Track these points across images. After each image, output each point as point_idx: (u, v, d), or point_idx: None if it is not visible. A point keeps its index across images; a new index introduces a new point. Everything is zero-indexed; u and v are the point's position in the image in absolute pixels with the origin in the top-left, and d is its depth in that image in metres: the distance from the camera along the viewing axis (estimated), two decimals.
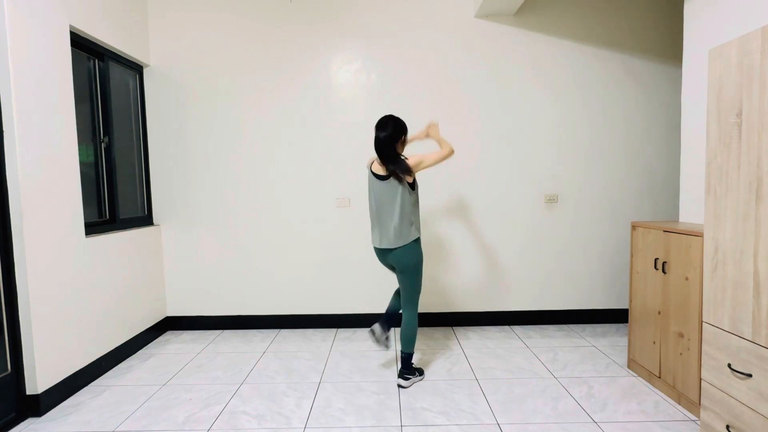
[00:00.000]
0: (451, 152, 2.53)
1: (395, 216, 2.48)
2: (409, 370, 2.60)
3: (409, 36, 3.48)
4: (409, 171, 2.46)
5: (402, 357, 2.62)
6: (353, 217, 3.55)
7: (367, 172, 2.63)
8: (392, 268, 2.64)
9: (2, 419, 2.20)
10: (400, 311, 2.69)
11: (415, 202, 2.55)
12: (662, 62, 3.50)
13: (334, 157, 3.54)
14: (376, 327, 2.69)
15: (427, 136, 2.68)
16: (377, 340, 2.70)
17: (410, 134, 2.67)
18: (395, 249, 2.52)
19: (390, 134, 2.48)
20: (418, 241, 2.55)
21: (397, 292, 2.79)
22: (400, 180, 2.45)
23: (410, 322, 2.60)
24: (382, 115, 2.60)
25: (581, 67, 3.49)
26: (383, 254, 2.60)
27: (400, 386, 2.56)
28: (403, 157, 2.52)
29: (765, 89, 1.58)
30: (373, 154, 2.65)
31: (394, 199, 2.48)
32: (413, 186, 2.52)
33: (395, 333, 3.48)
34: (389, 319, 2.74)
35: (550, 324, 3.63)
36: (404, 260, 2.53)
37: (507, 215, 3.57)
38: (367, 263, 3.55)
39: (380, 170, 2.52)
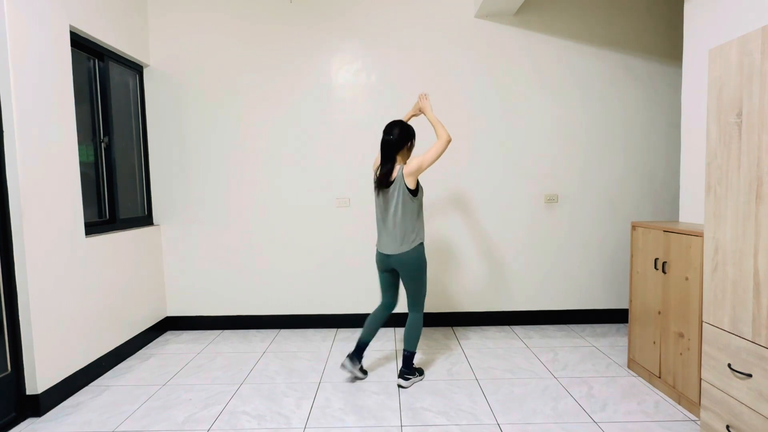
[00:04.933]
0: (449, 140, 2.45)
1: (398, 221, 2.48)
2: (409, 369, 2.60)
3: (409, 36, 3.48)
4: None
5: (404, 355, 2.61)
6: (353, 217, 3.55)
7: (373, 175, 2.62)
8: (391, 272, 2.63)
9: (2, 419, 2.20)
10: (368, 343, 2.66)
11: (419, 208, 2.54)
12: (662, 62, 3.50)
13: (334, 157, 3.54)
14: (346, 362, 2.60)
15: (420, 111, 2.65)
16: (351, 373, 2.62)
17: (404, 115, 2.72)
18: (399, 254, 2.51)
19: (394, 141, 2.48)
20: (421, 245, 2.55)
21: (374, 317, 2.69)
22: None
23: (415, 322, 2.60)
24: (383, 116, 2.61)
25: (581, 66, 3.49)
26: (387, 259, 2.57)
27: (400, 386, 2.56)
28: (402, 165, 2.50)
29: (765, 89, 1.58)
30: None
31: (397, 204, 2.47)
32: (416, 192, 2.50)
33: (397, 333, 3.48)
34: (359, 352, 2.64)
35: (550, 324, 3.63)
36: (408, 265, 2.53)
37: (507, 215, 3.57)
38: (368, 263, 3.55)
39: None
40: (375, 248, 2.66)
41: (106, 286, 2.90)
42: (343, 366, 2.60)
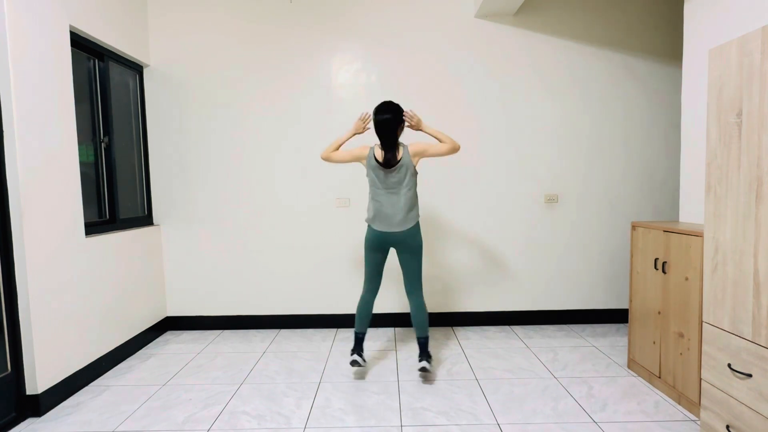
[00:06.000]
0: (456, 147, 2.57)
1: (402, 200, 2.54)
2: (429, 354, 2.64)
3: (409, 36, 3.48)
4: (396, 161, 2.52)
5: (421, 342, 2.64)
6: (353, 217, 3.55)
7: (367, 158, 2.60)
8: (383, 253, 2.65)
9: (2, 419, 2.20)
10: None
11: (416, 185, 2.62)
12: (662, 62, 3.50)
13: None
14: (358, 359, 2.64)
15: (418, 129, 2.66)
16: (361, 365, 2.66)
17: (340, 138, 2.71)
18: (403, 231, 2.56)
19: (392, 118, 2.53)
20: (419, 224, 2.63)
21: (367, 306, 2.72)
22: (397, 166, 2.52)
23: (423, 305, 2.65)
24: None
25: (581, 66, 3.49)
26: (387, 237, 2.58)
27: (424, 369, 2.56)
28: (405, 144, 2.57)
29: (765, 89, 1.58)
30: (370, 141, 2.67)
31: (400, 184, 2.54)
32: (415, 171, 2.59)
33: (397, 333, 3.48)
34: (361, 344, 2.70)
35: (550, 324, 3.63)
36: (412, 241, 2.59)
37: (507, 215, 3.57)
38: None
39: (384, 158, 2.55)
40: (373, 233, 2.62)
41: (106, 286, 2.90)
42: (355, 363, 2.64)
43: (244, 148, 3.54)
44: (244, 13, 3.48)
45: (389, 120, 2.52)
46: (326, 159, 2.66)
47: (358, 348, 2.68)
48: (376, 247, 2.65)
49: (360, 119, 2.69)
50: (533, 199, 3.56)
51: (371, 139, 2.74)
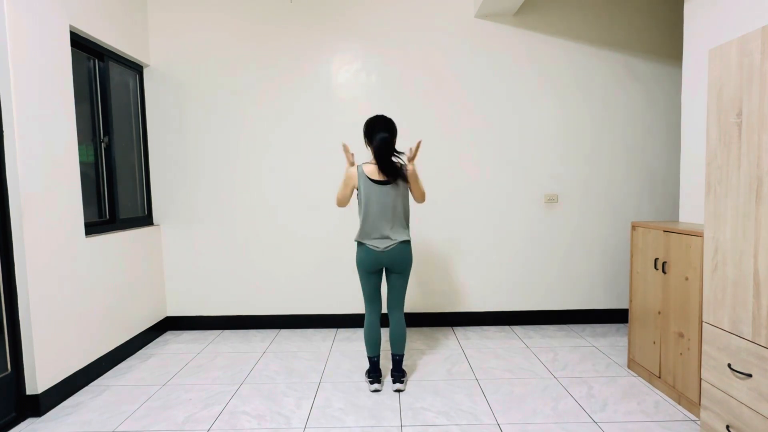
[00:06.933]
0: (424, 200, 2.59)
1: (398, 217, 2.50)
2: (403, 372, 2.57)
3: (409, 36, 3.48)
4: (405, 178, 2.49)
5: (396, 359, 2.56)
6: (353, 217, 3.54)
7: (357, 178, 2.49)
8: (378, 273, 2.55)
9: (2, 419, 2.20)
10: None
11: (409, 203, 2.58)
12: (662, 62, 3.50)
13: (333, 157, 3.52)
14: (379, 387, 2.52)
15: (410, 161, 2.55)
16: (380, 390, 2.54)
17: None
18: (396, 246, 2.47)
19: (390, 137, 2.46)
20: (410, 241, 2.57)
21: (377, 329, 2.60)
22: (404, 181, 2.49)
23: (403, 321, 2.59)
24: (376, 114, 2.56)
25: (582, 66, 3.49)
26: (380, 255, 2.48)
27: (399, 391, 2.50)
28: (401, 164, 2.50)
29: (765, 89, 1.58)
30: (358, 160, 2.55)
31: (397, 201, 2.49)
32: (407, 190, 2.56)
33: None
34: (377, 367, 2.60)
35: (550, 324, 3.63)
36: (404, 257, 2.51)
37: (507, 215, 3.57)
38: None
39: (378, 175, 2.45)
40: (369, 252, 2.50)
41: (106, 286, 2.90)
42: (377, 391, 2.51)
43: (245, 148, 3.54)
44: (244, 13, 3.48)
45: (387, 140, 2.44)
46: (340, 204, 2.57)
47: (375, 373, 2.56)
48: (372, 268, 2.52)
49: (345, 151, 2.56)
50: (533, 199, 3.56)
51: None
